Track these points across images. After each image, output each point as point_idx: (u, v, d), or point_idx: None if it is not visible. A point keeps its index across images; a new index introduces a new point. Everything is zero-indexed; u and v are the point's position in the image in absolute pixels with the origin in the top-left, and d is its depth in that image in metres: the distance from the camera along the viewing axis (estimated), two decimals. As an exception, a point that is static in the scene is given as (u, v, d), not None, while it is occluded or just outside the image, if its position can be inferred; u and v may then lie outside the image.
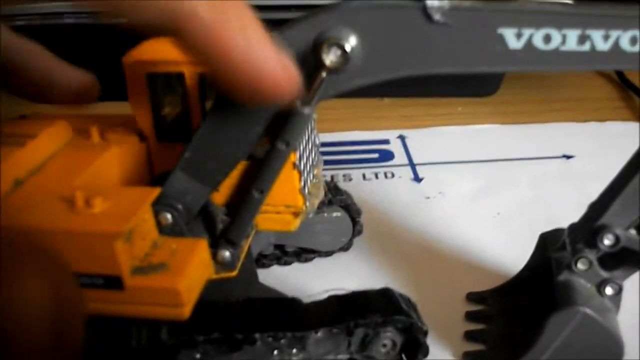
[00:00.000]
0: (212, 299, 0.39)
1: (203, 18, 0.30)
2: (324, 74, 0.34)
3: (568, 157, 0.70)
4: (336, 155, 0.70)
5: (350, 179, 0.66)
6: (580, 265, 0.40)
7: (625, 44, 0.33)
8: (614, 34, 0.33)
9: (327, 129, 0.73)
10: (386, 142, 0.73)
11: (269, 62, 0.31)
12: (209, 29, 0.30)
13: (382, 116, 0.80)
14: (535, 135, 0.75)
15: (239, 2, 0.32)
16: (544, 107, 0.82)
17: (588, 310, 0.39)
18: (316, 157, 0.46)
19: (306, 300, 0.41)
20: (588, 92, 0.86)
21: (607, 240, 0.39)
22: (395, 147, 0.72)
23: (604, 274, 0.40)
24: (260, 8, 0.74)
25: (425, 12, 0.33)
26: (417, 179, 0.66)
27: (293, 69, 0.32)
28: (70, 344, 0.30)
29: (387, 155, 0.71)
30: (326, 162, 0.48)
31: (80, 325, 0.30)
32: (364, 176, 0.67)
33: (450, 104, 0.82)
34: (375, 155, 0.71)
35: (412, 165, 0.68)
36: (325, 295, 0.41)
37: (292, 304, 0.41)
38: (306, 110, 0.35)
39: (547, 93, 0.85)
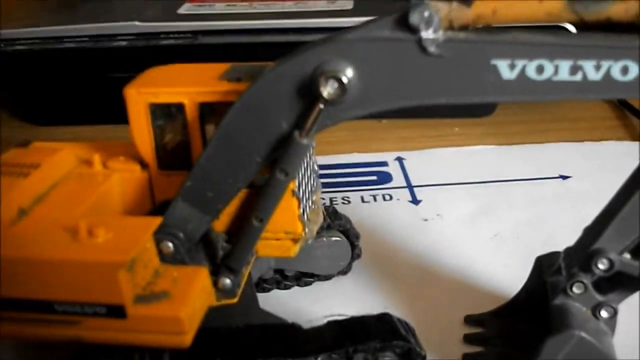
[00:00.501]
0: (213, 326, 0.40)
1: None
2: (321, 106, 0.35)
3: (565, 177, 0.70)
4: (335, 178, 0.71)
5: (349, 202, 0.67)
6: (576, 289, 0.41)
7: (616, 73, 0.33)
8: (605, 64, 0.33)
9: (325, 151, 0.73)
10: (384, 164, 0.74)
11: None
12: None
13: (380, 138, 0.81)
14: (532, 155, 0.75)
15: None
16: (540, 128, 0.82)
17: (584, 334, 0.39)
18: (315, 184, 0.47)
19: (306, 325, 0.41)
20: (583, 112, 0.86)
21: (602, 265, 0.39)
22: (393, 169, 0.73)
23: (599, 297, 0.41)
24: (257, 31, 0.76)
25: (420, 45, 0.33)
26: (415, 201, 0.67)
27: None
28: None
29: (385, 178, 0.71)
30: (325, 185, 0.49)
31: None
32: (362, 199, 0.67)
33: (446, 125, 0.83)
34: (374, 178, 0.71)
35: (410, 187, 0.69)
36: (324, 321, 0.41)
37: (292, 329, 0.41)
38: (304, 140, 0.36)
39: (542, 113, 0.86)
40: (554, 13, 0.33)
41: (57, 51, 0.78)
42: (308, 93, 0.35)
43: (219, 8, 0.84)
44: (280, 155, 0.37)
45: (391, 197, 0.67)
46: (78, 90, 0.83)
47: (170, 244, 0.40)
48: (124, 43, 0.77)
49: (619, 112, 0.87)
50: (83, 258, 0.35)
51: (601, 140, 0.78)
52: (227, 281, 0.41)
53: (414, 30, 0.33)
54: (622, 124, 0.84)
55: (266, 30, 0.77)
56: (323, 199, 0.48)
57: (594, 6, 0.32)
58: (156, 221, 0.38)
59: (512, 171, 0.71)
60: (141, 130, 0.42)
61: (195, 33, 0.77)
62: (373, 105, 0.36)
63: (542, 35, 0.34)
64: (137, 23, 0.78)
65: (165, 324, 0.36)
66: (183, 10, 0.83)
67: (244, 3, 0.85)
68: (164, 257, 0.39)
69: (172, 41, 0.77)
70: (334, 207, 0.55)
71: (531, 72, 0.34)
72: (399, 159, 0.75)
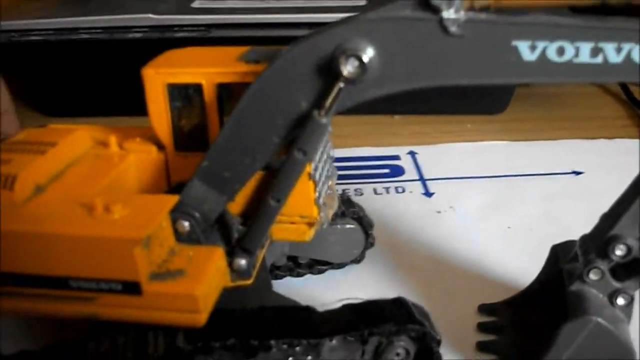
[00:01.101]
0: (227, 307, 0.40)
1: None
2: (341, 84, 0.35)
3: (577, 173, 0.70)
4: (348, 170, 0.71)
5: (362, 194, 0.67)
6: (592, 276, 0.41)
7: (637, 56, 0.33)
8: (626, 46, 0.33)
9: (339, 144, 0.73)
10: (397, 157, 0.74)
11: None
12: None
13: (393, 133, 0.81)
14: (545, 152, 0.75)
15: None
16: (553, 125, 0.82)
17: (600, 320, 0.39)
18: (330, 169, 0.46)
19: (320, 309, 0.41)
20: (596, 111, 0.87)
21: (619, 251, 0.39)
22: (405, 162, 0.73)
23: (616, 284, 0.40)
24: (270, 25, 0.76)
25: (442, 25, 0.33)
26: (428, 193, 0.66)
27: None
28: None
29: (398, 171, 0.71)
30: (338, 177, 0.49)
31: None
32: (375, 191, 0.67)
33: (459, 122, 0.83)
34: (387, 171, 0.71)
35: (423, 180, 0.69)
36: (339, 304, 0.41)
37: (306, 312, 0.41)
38: (323, 120, 0.36)
39: (555, 111, 0.86)
40: (575, -5, 0.33)
41: (71, 42, 0.78)
42: (328, 72, 0.35)
43: (232, 2, 0.84)
44: (298, 135, 0.37)
45: (404, 190, 0.67)
46: (92, 82, 0.83)
47: (186, 223, 0.39)
48: (138, 35, 0.77)
49: (631, 111, 0.87)
50: (99, 234, 0.35)
51: (614, 138, 0.78)
52: (242, 262, 0.40)
53: (435, 10, 0.33)
54: (634, 123, 0.84)
55: (278, 25, 0.78)
56: (336, 190, 0.48)
57: (616, -12, 0.32)
58: (173, 199, 0.38)
59: (525, 166, 0.71)
60: (158, 110, 0.42)
61: (209, 26, 0.78)
62: (393, 85, 0.36)
63: (563, 17, 0.33)
64: (151, 15, 0.78)
65: (180, 301, 0.36)
66: (197, 4, 0.84)
67: (257, -3, 0.86)
68: (179, 236, 0.39)
69: (185, 34, 0.77)
70: (348, 196, 0.55)
71: (552, 53, 0.34)
72: (412, 153, 0.75)
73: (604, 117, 0.85)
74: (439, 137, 0.79)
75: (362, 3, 0.83)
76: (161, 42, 0.76)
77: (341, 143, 0.74)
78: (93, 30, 0.78)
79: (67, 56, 0.80)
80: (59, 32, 0.79)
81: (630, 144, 0.76)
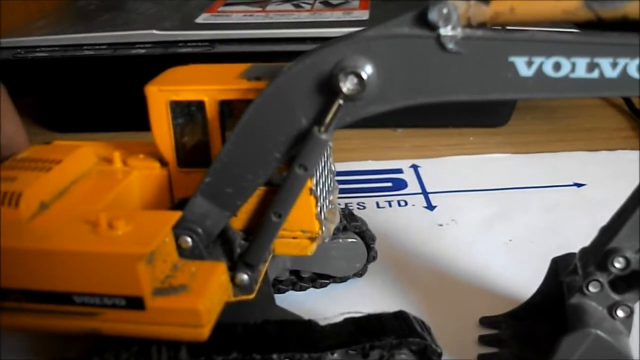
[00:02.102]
0: (230, 321, 0.40)
1: None
2: (341, 101, 0.36)
3: (579, 185, 0.70)
4: (350, 184, 0.71)
5: (364, 207, 0.67)
6: (592, 288, 0.41)
7: (633, 71, 0.34)
8: (622, 61, 0.33)
9: (341, 158, 0.73)
10: (399, 171, 0.74)
11: None
12: None
13: (395, 146, 0.81)
14: (546, 164, 0.75)
15: None
16: (554, 137, 0.82)
17: (600, 332, 0.40)
18: (332, 184, 0.47)
19: (322, 322, 0.42)
20: (598, 123, 0.87)
21: (618, 264, 0.40)
22: (408, 176, 0.73)
23: (615, 296, 0.41)
24: (274, 40, 0.77)
25: (439, 41, 0.34)
26: (430, 206, 0.67)
27: None
28: None
29: (400, 184, 0.72)
30: (340, 191, 0.49)
31: None
32: (377, 204, 0.68)
33: (461, 134, 0.83)
34: (389, 184, 0.72)
35: (425, 193, 0.69)
36: (341, 318, 0.42)
37: (308, 325, 0.41)
38: (324, 136, 0.36)
39: (557, 123, 0.86)
40: (570, 11, 0.33)
41: (76, 59, 0.79)
42: (328, 89, 0.36)
43: (236, 18, 0.85)
44: (299, 151, 0.37)
45: (406, 203, 0.68)
46: (97, 98, 0.84)
47: (189, 239, 0.40)
48: (142, 51, 0.78)
49: (633, 123, 0.87)
50: (103, 250, 0.36)
51: (615, 149, 0.78)
52: (245, 277, 0.41)
53: (432, 27, 0.34)
54: (636, 135, 0.84)
55: (282, 40, 0.78)
56: (339, 204, 0.49)
57: (610, 4, 0.33)
58: (175, 215, 0.39)
59: (527, 179, 0.72)
60: (161, 127, 0.42)
61: (212, 42, 0.78)
62: (391, 102, 0.36)
63: (559, 32, 0.34)
64: (155, 32, 0.79)
65: (183, 316, 0.37)
66: (201, 19, 0.85)
67: (260, 13, 0.86)
68: (182, 252, 0.40)
69: (189, 49, 0.78)
70: (350, 210, 0.55)
71: (548, 69, 0.34)
72: (414, 167, 0.75)
73: (605, 129, 0.85)
74: (442, 150, 0.79)
75: (365, 17, 0.83)
76: (165, 58, 0.77)
77: (344, 157, 0.75)
78: (97, 47, 0.79)
79: (72, 72, 0.81)
80: (63, 48, 0.79)
81: (632, 155, 0.76)
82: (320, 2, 0.91)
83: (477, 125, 0.85)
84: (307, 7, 0.89)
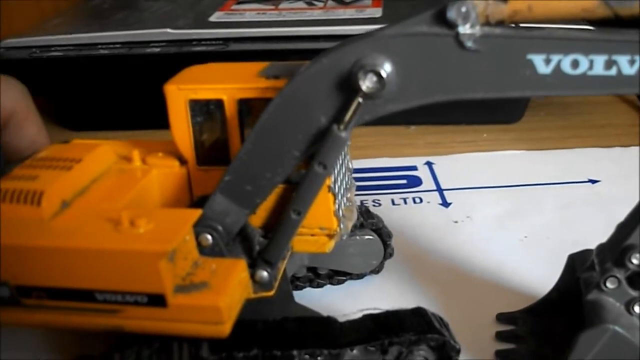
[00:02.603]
0: (250, 318, 0.40)
1: None
2: (360, 99, 0.36)
3: (593, 181, 0.70)
4: (366, 182, 0.72)
5: (380, 204, 0.67)
6: (609, 285, 0.41)
7: (651, 68, 0.34)
8: (640, 58, 0.34)
9: (356, 155, 0.73)
10: (414, 168, 0.75)
11: None
12: None
13: (410, 143, 0.81)
14: (560, 160, 0.75)
15: None
16: (568, 134, 0.82)
17: (617, 328, 0.40)
18: (349, 181, 0.47)
19: (341, 319, 0.42)
20: (611, 119, 0.87)
21: (635, 260, 0.40)
22: (422, 173, 0.73)
23: (633, 292, 0.41)
24: (288, 38, 0.77)
25: (458, 40, 0.34)
26: (445, 203, 0.67)
27: None
28: None
29: (415, 181, 0.72)
30: (357, 188, 0.49)
31: None
32: (392, 201, 0.68)
33: (475, 131, 0.83)
34: (404, 181, 0.72)
35: (440, 190, 0.69)
36: (359, 315, 0.42)
37: (327, 322, 0.42)
38: (343, 134, 0.36)
39: (570, 120, 0.86)
40: (589, 9, 0.33)
41: (91, 58, 0.79)
42: (347, 87, 0.36)
43: (249, 16, 0.85)
44: (318, 149, 0.38)
45: (421, 200, 0.68)
46: (112, 96, 0.84)
47: (209, 237, 0.40)
48: (156, 50, 0.78)
49: (649, 119, 0.87)
50: (125, 247, 0.36)
51: (630, 146, 0.78)
52: (264, 274, 0.41)
53: (451, 26, 0.34)
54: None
55: (295, 38, 0.78)
56: (355, 201, 0.49)
57: (628, 2, 0.33)
58: (196, 213, 0.39)
59: (541, 175, 0.72)
60: (180, 126, 0.43)
61: (226, 40, 0.79)
62: (410, 99, 0.36)
63: (577, 30, 0.34)
64: (169, 30, 0.79)
65: (205, 313, 0.37)
66: (214, 18, 0.85)
67: (273, 11, 0.87)
68: (202, 250, 0.40)
69: (203, 48, 0.78)
70: (366, 207, 0.55)
71: (566, 66, 0.34)
72: (429, 164, 0.75)
73: (619, 125, 0.85)
74: (456, 147, 0.79)
75: (378, 15, 0.83)
76: (179, 57, 0.77)
77: (359, 154, 0.75)
78: (112, 46, 0.80)
79: (87, 71, 0.81)
80: (78, 47, 0.80)
81: (646, 151, 0.76)
82: (333, 0, 0.91)
83: (491, 122, 0.85)
84: (320, 4, 0.89)
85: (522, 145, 0.79)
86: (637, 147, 0.77)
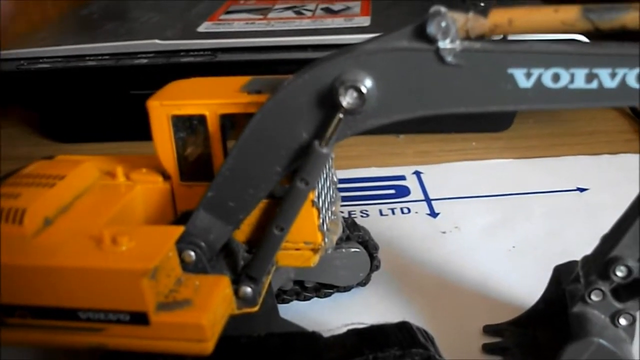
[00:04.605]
0: (234, 334, 0.40)
1: None
2: (341, 115, 0.36)
3: (582, 189, 0.70)
4: (353, 192, 0.72)
5: (367, 215, 0.67)
6: (594, 297, 0.41)
7: (632, 81, 0.34)
8: (621, 72, 0.34)
9: (344, 165, 0.74)
10: (402, 178, 0.75)
11: None
12: None
13: (398, 152, 0.81)
14: (549, 168, 0.75)
15: None
16: (557, 141, 0.83)
17: (602, 341, 0.40)
18: (334, 195, 0.47)
19: (326, 334, 0.42)
20: (600, 125, 0.87)
21: (620, 272, 0.40)
22: (411, 182, 0.73)
23: (618, 305, 0.41)
24: (276, 48, 0.77)
25: (438, 54, 0.34)
26: (433, 214, 0.67)
27: None
28: None
29: (403, 191, 0.72)
30: (343, 199, 0.49)
31: None
32: (380, 212, 0.68)
33: (464, 140, 0.83)
34: (392, 191, 0.72)
35: (428, 200, 0.69)
36: (344, 329, 0.42)
37: (312, 338, 0.41)
38: (324, 149, 0.36)
39: (559, 127, 0.86)
40: (568, 22, 0.34)
41: (79, 69, 0.79)
42: (328, 103, 0.36)
43: (238, 26, 0.85)
44: (300, 165, 0.37)
45: (409, 210, 0.68)
46: (100, 108, 0.84)
47: (192, 253, 0.40)
48: (144, 61, 0.78)
49: (636, 125, 0.87)
50: (107, 266, 0.36)
51: (618, 153, 0.78)
52: (248, 290, 0.41)
53: (431, 41, 0.34)
54: (638, 137, 0.84)
55: (284, 48, 0.78)
56: (342, 212, 0.49)
57: (608, 15, 0.33)
58: (178, 230, 0.39)
59: (529, 184, 0.72)
60: (163, 142, 0.43)
61: (215, 50, 0.79)
62: (392, 115, 0.36)
63: (557, 44, 0.34)
64: (157, 41, 0.79)
65: (188, 331, 0.37)
66: (202, 28, 0.85)
67: (262, 21, 0.87)
68: (186, 266, 0.40)
69: (191, 59, 0.78)
70: (353, 219, 0.55)
71: (547, 80, 0.34)
72: (417, 173, 0.75)
73: (607, 132, 0.85)
74: (444, 156, 0.79)
75: (366, 24, 0.83)
76: (167, 68, 0.77)
77: (347, 164, 0.75)
78: (100, 57, 0.80)
79: (75, 83, 0.81)
80: (66, 59, 0.80)
81: (634, 158, 0.76)
82: (322, 9, 0.91)
83: (480, 130, 0.85)
84: (309, 14, 0.89)
85: (510, 153, 0.79)
86: (626, 155, 0.78)
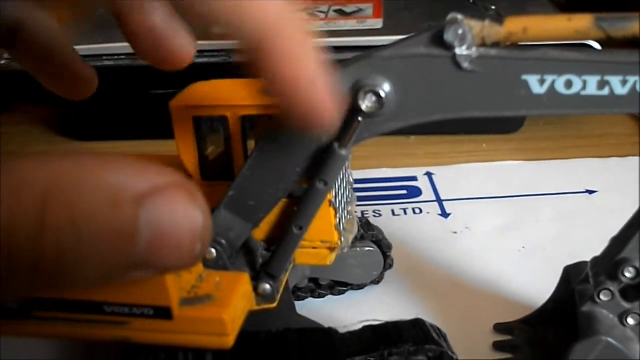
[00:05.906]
0: (253, 330, 0.41)
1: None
2: (360, 119, 0.37)
3: (591, 192, 0.71)
4: (366, 192, 0.73)
5: (380, 215, 0.68)
6: (603, 297, 0.42)
7: (642, 88, 0.35)
8: (632, 79, 0.35)
9: (356, 166, 0.74)
10: (414, 179, 0.76)
11: (326, 92, 0.33)
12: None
13: (410, 154, 0.82)
14: (558, 171, 0.76)
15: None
16: (567, 144, 0.83)
17: (610, 340, 0.41)
18: (350, 195, 0.48)
19: (342, 330, 0.43)
20: (609, 128, 0.87)
21: (628, 273, 0.41)
22: (422, 183, 0.75)
23: (626, 305, 0.42)
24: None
25: (455, 61, 0.35)
26: (445, 214, 0.68)
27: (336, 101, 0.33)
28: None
29: (415, 192, 0.73)
30: (358, 199, 0.50)
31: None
32: (393, 212, 0.69)
33: (475, 141, 0.84)
34: (404, 192, 0.73)
35: (440, 201, 0.71)
36: (359, 326, 0.43)
37: (329, 333, 0.43)
38: (343, 151, 0.38)
39: (569, 130, 0.87)
40: (582, 31, 0.34)
41: (96, 69, 0.80)
42: (348, 106, 0.37)
43: (252, 27, 0.86)
44: (319, 166, 0.39)
45: (421, 211, 0.69)
46: (117, 107, 0.85)
47: (214, 250, 0.41)
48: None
49: (644, 128, 0.88)
50: (133, 262, 0.37)
51: (627, 156, 0.79)
52: (267, 287, 0.42)
53: (448, 47, 0.35)
54: (647, 141, 0.85)
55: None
56: (356, 212, 0.50)
57: (620, 24, 0.34)
58: (201, 228, 0.40)
59: (539, 186, 0.73)
60: (185, 142, 0.44)
61: (229, 51, 0.79)
62: (409, 118, 0.37)
63: (570, 51, 0.35)
64: (172, 42, 0.80)
65: (209, 325, 0.38)
66: (217, 29, 0.85)
67: (276, 22, 0.87)
68: (207, 263, 0.41)
69: (206, 59, 0.79)
70: (367, 219, 0.56)
71: (560, 87, 0.35)
72: (428, 174, 0.76)
73: (616, 135, 0.86)
74: (455, 158, 0.80)
75: (379, 26, 0.84)
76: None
77: (359, 164, 0.76)
78: (116, 57, 0.81)
79: (93, 82, 0.82)
80: (83, 58, 0.81)
81: (642, 162, 0.77)
82: (334, 11, 0.92)
83: (490, 132, 0.85)
84: (322, 15, 0.90)
85: (521, 155, 0.80)
86: (635, 158, 0.78)
